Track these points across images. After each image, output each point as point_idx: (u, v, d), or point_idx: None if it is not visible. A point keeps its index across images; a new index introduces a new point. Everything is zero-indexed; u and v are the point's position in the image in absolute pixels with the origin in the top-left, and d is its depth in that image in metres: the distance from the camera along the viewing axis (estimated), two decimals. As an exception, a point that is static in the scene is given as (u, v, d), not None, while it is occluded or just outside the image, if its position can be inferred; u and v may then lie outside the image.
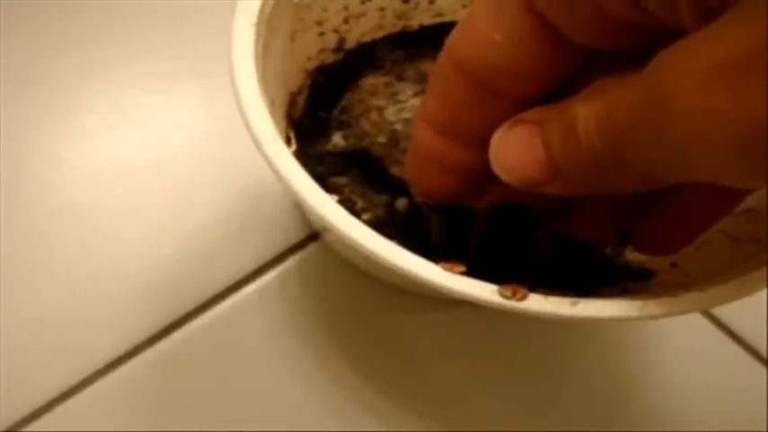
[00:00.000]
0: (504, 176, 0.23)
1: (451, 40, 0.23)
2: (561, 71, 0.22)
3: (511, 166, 0.22)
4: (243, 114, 0.25)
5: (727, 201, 0.25)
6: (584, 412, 0.35)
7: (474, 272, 0.24)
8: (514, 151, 0.22)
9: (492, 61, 0.22)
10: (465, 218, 0.27)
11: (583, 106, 0.20)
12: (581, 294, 0.24)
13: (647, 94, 0.18)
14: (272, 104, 0.27)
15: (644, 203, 0.26)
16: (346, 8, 0.34)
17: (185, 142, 0.39)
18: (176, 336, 0.34)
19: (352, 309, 0.36)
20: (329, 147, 0.33)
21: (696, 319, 0.38)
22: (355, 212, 0.24)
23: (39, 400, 0.32)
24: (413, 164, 0.26)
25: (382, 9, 0.36)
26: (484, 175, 0.25)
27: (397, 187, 0.27)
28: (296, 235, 0.37)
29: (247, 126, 0.24)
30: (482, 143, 0.24)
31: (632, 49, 0.20)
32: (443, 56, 0.24)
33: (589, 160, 0.20)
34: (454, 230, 0.27)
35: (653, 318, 0.24)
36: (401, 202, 0.26)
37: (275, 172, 0.24)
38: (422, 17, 0.37)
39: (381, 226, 0.24)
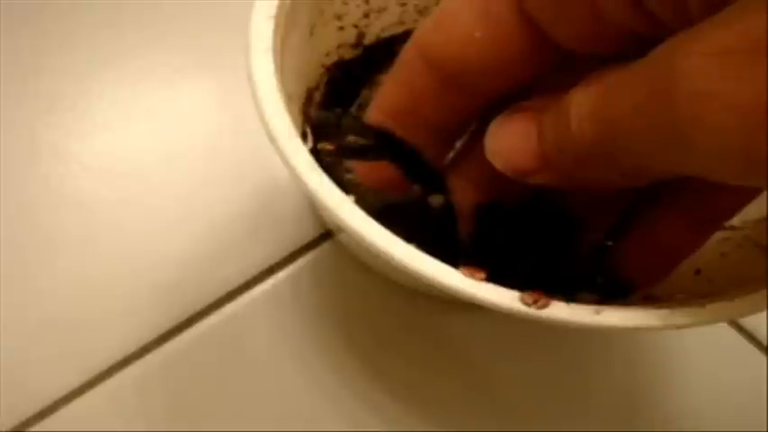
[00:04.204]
0: (495, 163, 0.22)
1: (423, 31, 0.23)
2: (538, 71, 0.22)
3: (503, 153, 0.22)
4: (259, 109, 0.24)
5: (700, 230, 0.25)
6: (604, 414, 0.35)
7: (496, 273, 0.23)
8: (509, 138, 0.22)
9: (467, 57, 0.22)
10: (498, 216, 0.26)
11: (579, 93, 0.20)
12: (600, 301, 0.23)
13: (650, 76, 0.17)
14: (288, 99, 0.26)
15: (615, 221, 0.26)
16: (367, 2, 0.34)
17: (197, 137, 0.38)
18: (185, 336, 0.34)
19: (365, 310, 0.35)
20: (345, 144, 0.33)
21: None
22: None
23: (46, 399, 0.32)
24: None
25: (404, 4, 0.35)
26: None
27: (431, 182, 0.26)
28: (309, 233, 0.36)
29: (263, 121, 0.24)
30: (436, 137, 0.24)
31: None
32: (411, 46, 0.23)
33: (578, 149, 0.20)
34: (485, 229, 0.27)
35: (679, 328, 0.23)
36: (436, 199, 0.25)
37: (291, 170, 0.23)
38: (443, 13, 0.36)
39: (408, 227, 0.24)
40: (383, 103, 0.25)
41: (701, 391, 0.36)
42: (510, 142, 0.22)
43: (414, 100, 0.24)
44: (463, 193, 0.25)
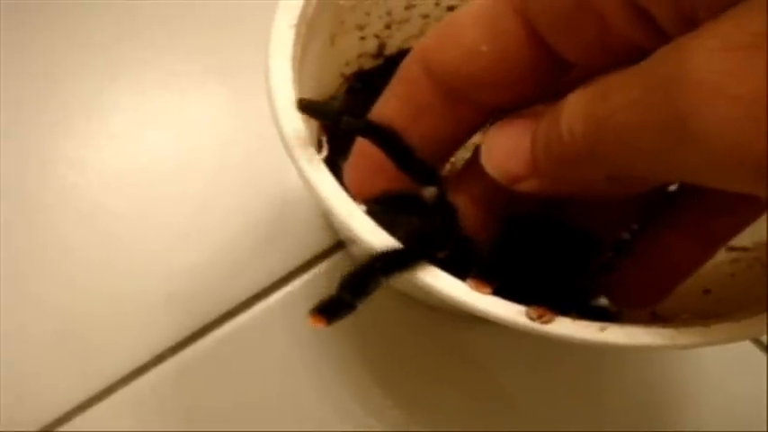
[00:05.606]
0: (489, 169, 0.22)
1: (428, 44, 0.23)
2: (544, 84, 0.22)
3: (497, 159, 0.22)
4: (275, 118, 0.24)
5: (704, 248, 0.25)
6: (618, 424, 0.35)
7: (510, 286, 0.23)
8: (504, 144, 0.22)
9: (472, 71, 0.22)
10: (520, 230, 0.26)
11: (574, 94, 0.20)
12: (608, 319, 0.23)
13: (651, 72, 0.17)
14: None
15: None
16: (389, 13, 0.34)
17: (212, 145, 0.38)
18: (200, 345, 0.34)
19: (379, 319, 0.35)
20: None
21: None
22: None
23: (61, 409, 0.32)
24: (357, 168, 0.26)
25: (426, 16, 0.35)
26: None
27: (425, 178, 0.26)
28: (323, 242, 0.36)
29: (279, 130, 0.24)
30: (435, 149, 0.24)
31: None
32: (413, 59, 0.23)
33: (565, 149, 0.20)
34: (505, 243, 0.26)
35: (684, 348, 0.23)
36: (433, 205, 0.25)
37: (303, 178, 0.23)
38: (465, 26, 0.36)
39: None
40: (382, 118, 0.25)
41: (716, 401, 0.36)
42: (503, 146, 0.22)
43: (416, 114, 0.24)
44: (465, 208, 0.25)
